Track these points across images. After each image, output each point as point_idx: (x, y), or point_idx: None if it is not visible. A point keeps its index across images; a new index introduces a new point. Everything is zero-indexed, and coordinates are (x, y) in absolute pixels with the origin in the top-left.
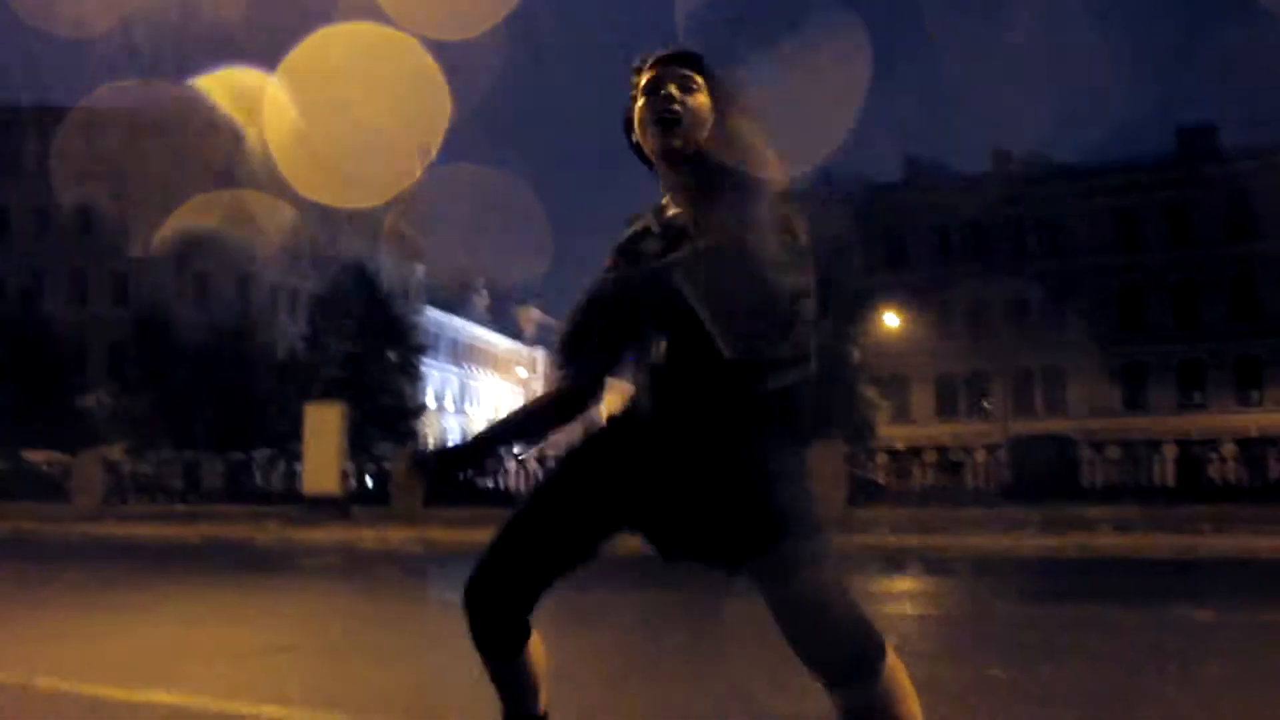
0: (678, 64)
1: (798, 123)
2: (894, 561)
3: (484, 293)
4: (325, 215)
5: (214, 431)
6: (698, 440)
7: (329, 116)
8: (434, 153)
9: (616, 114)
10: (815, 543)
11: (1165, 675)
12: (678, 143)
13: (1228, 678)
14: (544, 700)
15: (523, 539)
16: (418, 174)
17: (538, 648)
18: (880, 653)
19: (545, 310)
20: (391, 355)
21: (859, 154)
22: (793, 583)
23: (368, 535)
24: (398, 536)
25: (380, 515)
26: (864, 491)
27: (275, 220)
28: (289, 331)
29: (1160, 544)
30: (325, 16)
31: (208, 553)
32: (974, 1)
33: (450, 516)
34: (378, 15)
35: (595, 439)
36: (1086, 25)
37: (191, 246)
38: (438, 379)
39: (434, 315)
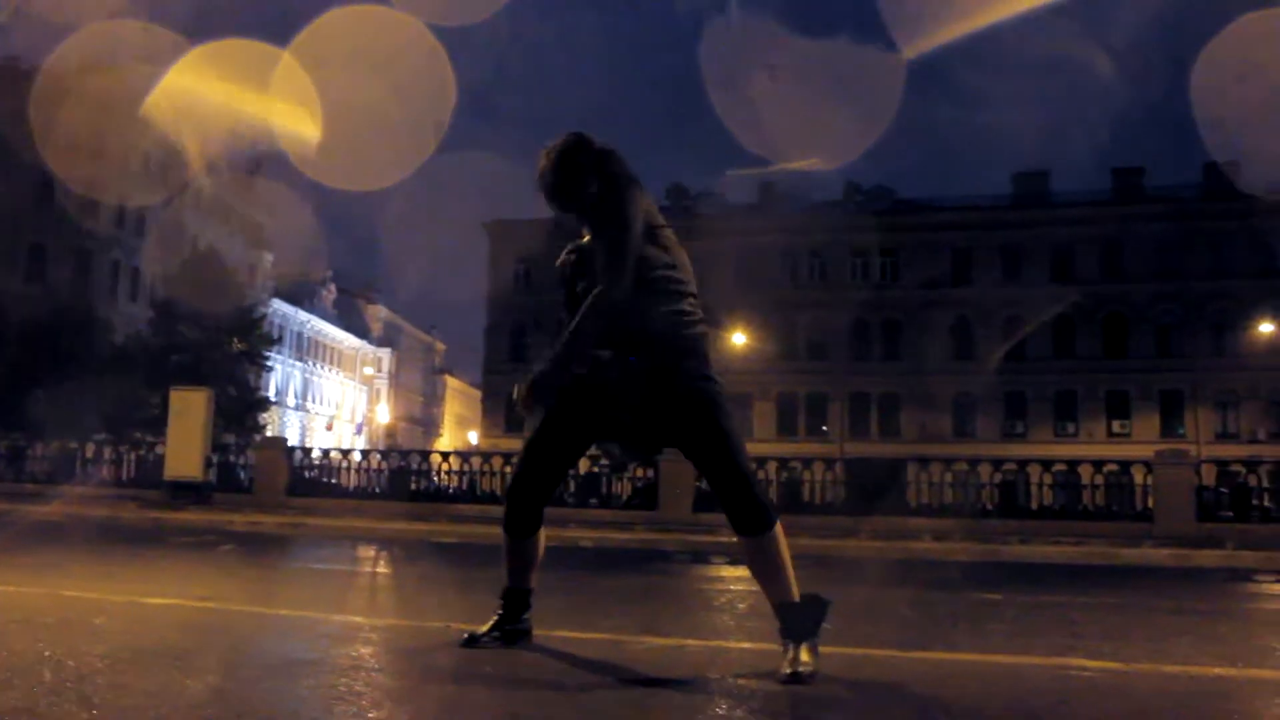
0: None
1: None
2: (736, 558)
3: (331, 287)
4: (170, 195)
5: (47, 414)
6: (649, 370)
7: (338, 97)
8: (445, 130)
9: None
10: (731, 418)
11: (955, 630)
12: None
13: (1001, 631)
14: (533, 581)
15: (538, 452)
16: (431, 150)
17: (540, 543)
18: (774, 514)
19: (393, 309)
20: (239, 345)
21: (715, 177)
22: (723, 451)
23: (237, 519)
24: (268, 520)
25: (242, 502)
26: (709, 500)
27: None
28: (128, 313)
29: (971, 550)
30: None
31: (78, 529)
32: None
33: (309, 505)
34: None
35: (571, 387)
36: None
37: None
38: (281, 373)
39: (280, 307)
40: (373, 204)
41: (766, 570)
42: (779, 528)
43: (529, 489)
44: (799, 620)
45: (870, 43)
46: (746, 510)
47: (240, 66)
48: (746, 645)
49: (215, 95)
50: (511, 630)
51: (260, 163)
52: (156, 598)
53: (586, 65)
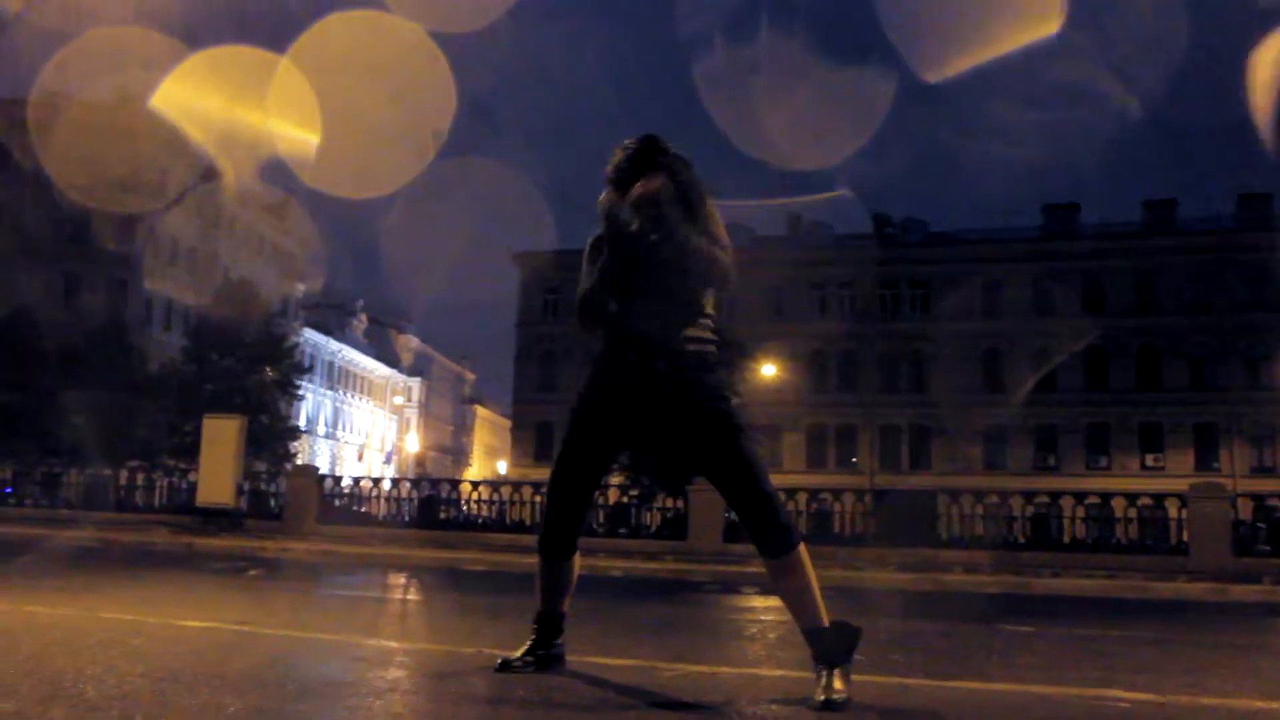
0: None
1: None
2: (766, 589)
3: (362, 317)
4: (204, 226)
5: (82, 441)
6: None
7: (337, 104)
8: (444, 138)
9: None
10: (754, 440)
11: (989, 661)
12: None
13: (1034, 663)
14: (566, 605)
15: (566, 472)
16: (430, 158)
17: (575, 568)
18: (798, 536)
19: (424, 339)
20: (271, 374)
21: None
22: (745, 472)
23: (268, 545)
24: (298, 547)
25: (272, 529)
26: (739, 531)
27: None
28: (162, 342)
29: (1003, 582)
30: (329, 7)
31: (112, 553)
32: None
33: (338, 533)
34: (379, 5)
35: (587, 402)
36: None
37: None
38: (312, 401)
39: (311, 336)
40: (402, 229)
41: (794, 593)
42: (804, 549)
43: (562, 509)
44: (830, 645)
45: (875, 59)
46: (769, 530)
47: (239, 73)
48: (779, 673)
49: (221, 103)
50: (545, 655)
51: (291, 192)
52: (192, 620)
53: (589, 71)
